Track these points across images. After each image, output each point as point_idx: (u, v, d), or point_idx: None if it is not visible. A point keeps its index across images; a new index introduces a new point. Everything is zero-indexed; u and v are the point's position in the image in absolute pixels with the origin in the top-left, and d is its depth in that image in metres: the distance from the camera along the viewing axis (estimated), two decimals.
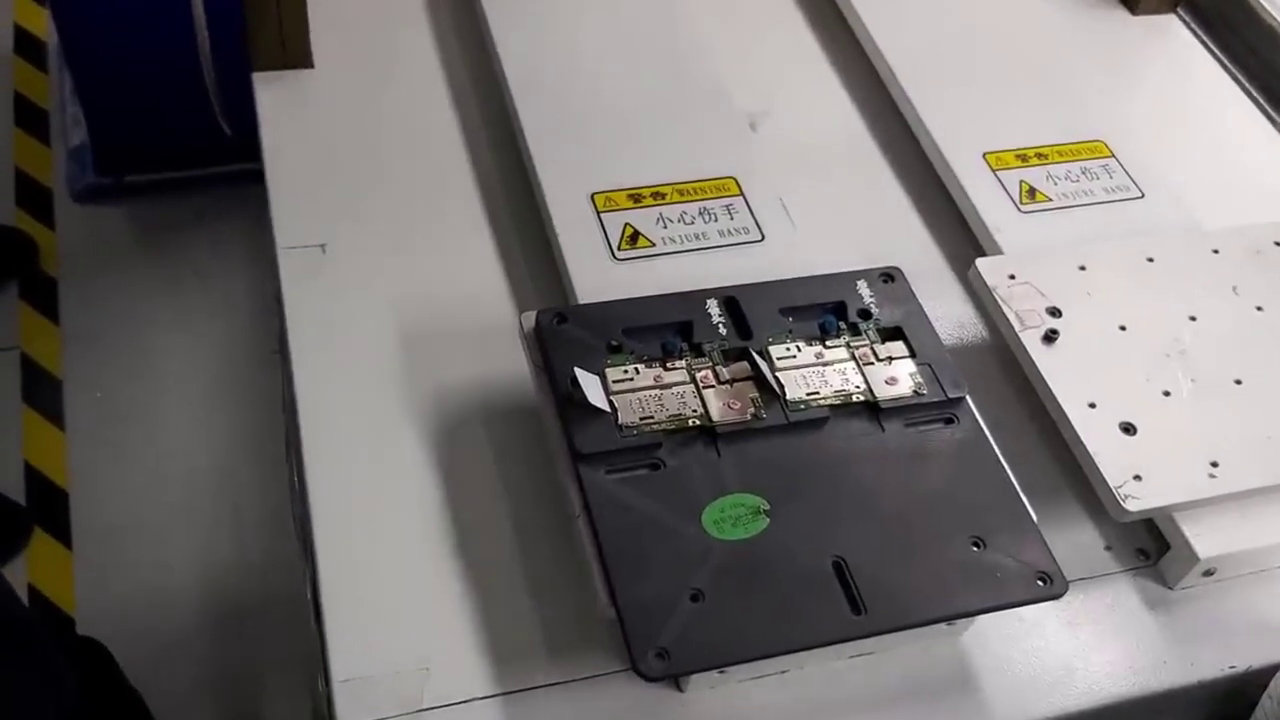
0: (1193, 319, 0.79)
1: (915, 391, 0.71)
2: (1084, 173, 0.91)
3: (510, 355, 0.74)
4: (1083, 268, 0.81)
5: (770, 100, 0.99)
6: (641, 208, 0.84)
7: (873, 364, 0.72)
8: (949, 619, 0.65)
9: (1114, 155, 0.93)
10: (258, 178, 0.88)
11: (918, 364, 0.72)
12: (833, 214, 0.91)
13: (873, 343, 0.73)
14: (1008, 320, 0.78)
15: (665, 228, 0.83)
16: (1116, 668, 0.70)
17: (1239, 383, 0.76)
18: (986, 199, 0.89)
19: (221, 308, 1.86)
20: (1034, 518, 0.67)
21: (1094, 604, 0.72)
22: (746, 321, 0.73)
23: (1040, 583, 0.64)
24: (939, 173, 0.93)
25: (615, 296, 0.75)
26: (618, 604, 0.61)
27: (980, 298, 0.82)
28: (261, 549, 1.61)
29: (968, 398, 0.72)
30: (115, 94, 1.82)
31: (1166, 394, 0.75)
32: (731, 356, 0.71)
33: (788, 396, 0.70)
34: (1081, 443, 0.72)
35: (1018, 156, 0.92)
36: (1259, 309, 0.81)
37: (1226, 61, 1.10)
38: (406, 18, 1.03)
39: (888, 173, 0.96)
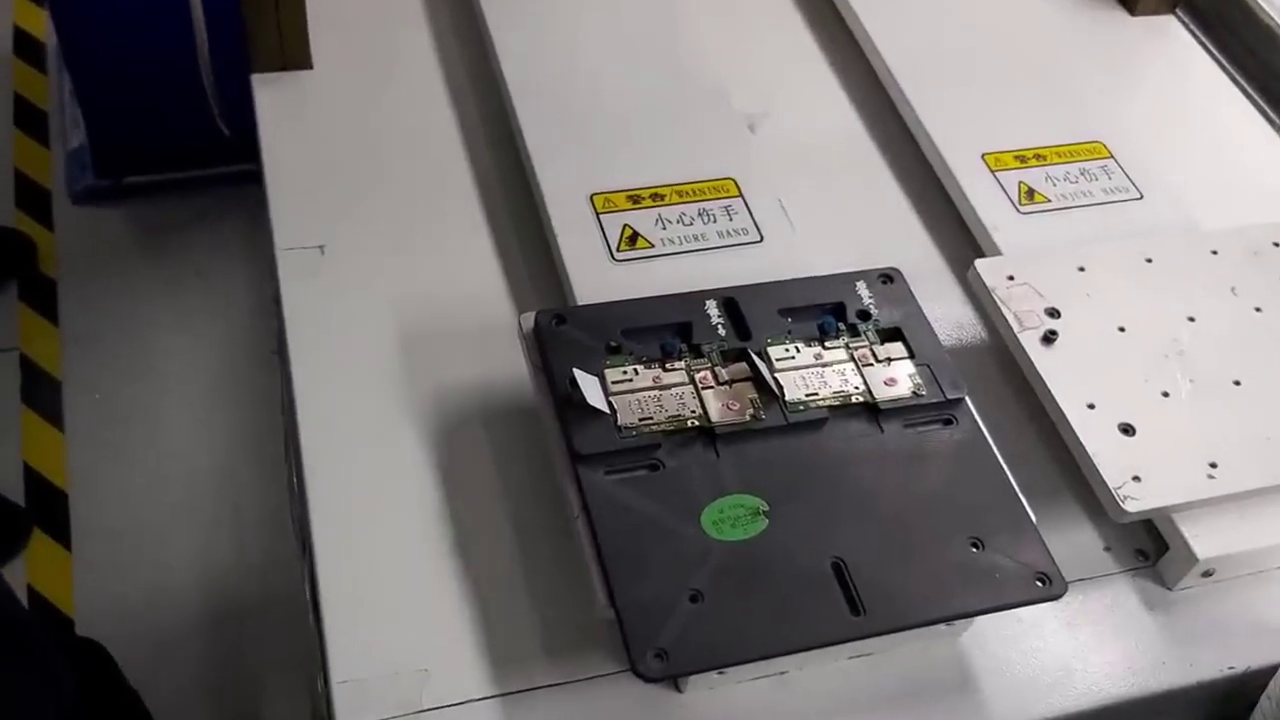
0: (1191, 320, 0.79)
1: (914, 392, 0.71)
2: (1083, 173, 0.91)
3: (509, 356, 0.74)
4: (1082, 269, 0.81)
5: (769, 101, 0.98)
6: (640, 209, 0.84)
7: (872, 365, 0.72)
8: (948, 620, 0.65)
9: (1113, 156, 0.93)
10: (257, 178, 0.88)
11: (917, 365, 0.72)
12: (832, 215, 0.91)
13: (872, 344, 0.73)
14: (1006, 321, 0.78)
15: (664, 229, 0.83)
16: (1115, 668, 0.70)
17: (1238, 383, 0.76)
18: (985, 200, 0.89)
19: (221, 308, 1.86)
20: (1033, 518, 0.67)
21: (1093, 605, 0.72)
22: (745, 322, 0.73)
23: (1039, 583, 0.64)
24: (938, 174, 0.93)
25: (614, 297, 0.75)
26: (616, 605, 0.61)
27: (979, 299, 0.82)
28: (261, 549, 1.61)
29: (967, 399, 0.72)
30: (114, 95, 1.82)
31: (1165, 395, 0.75)
32: (730, 357, 0.71)
33: (787, 397, 0.69)
34: (1080, 443, 0.72)
35: (1016, 157, 0.92)
36: (1258, 310, 0.81)
37: (1225, 62, 1.10)
38: (405, 18, 1.03)
39: (887, 174, 0.96)
